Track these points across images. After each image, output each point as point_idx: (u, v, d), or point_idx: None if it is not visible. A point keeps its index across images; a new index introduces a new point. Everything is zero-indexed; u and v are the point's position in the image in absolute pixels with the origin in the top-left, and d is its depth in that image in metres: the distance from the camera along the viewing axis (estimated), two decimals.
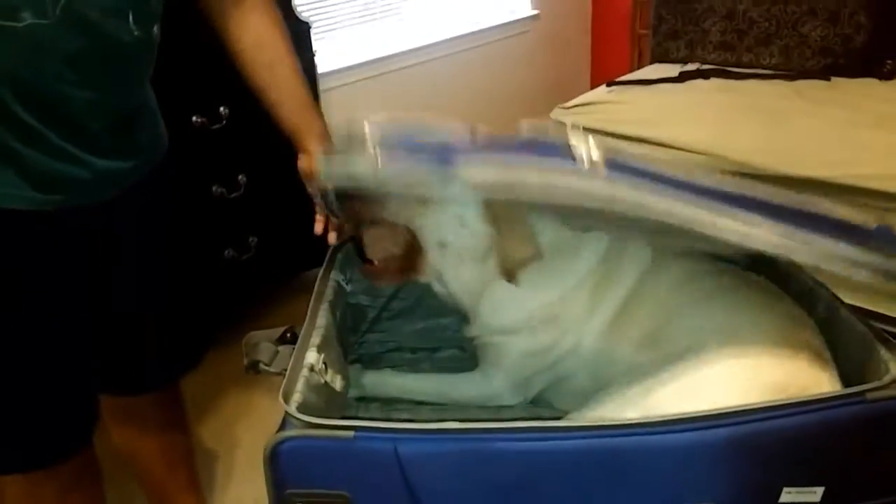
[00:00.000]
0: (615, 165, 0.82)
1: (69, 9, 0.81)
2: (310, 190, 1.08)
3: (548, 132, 0.87)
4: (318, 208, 1.09)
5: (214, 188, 1.84)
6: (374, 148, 0.91)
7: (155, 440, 1.24)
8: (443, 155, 0.88)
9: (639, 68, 2.56)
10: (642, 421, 0.80)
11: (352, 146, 0.96)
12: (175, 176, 1.08)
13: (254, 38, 1.05)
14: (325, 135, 1.08)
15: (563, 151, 0.82)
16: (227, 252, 1.91)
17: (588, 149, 0.82)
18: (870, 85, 2.04)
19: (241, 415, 1.68)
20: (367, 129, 0.92)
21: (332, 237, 1.12)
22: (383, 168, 0.90)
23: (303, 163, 1.09)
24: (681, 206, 0.79)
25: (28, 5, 0.79)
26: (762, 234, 0.78)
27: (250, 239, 1.96)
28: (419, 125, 0.96)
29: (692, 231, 0.80)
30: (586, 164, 0.81)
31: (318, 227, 1.10)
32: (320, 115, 1.11)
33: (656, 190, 0.80)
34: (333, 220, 1.10)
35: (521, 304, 1.09)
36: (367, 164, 0.91)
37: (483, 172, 0.87)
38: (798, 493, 0.85)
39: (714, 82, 2.19)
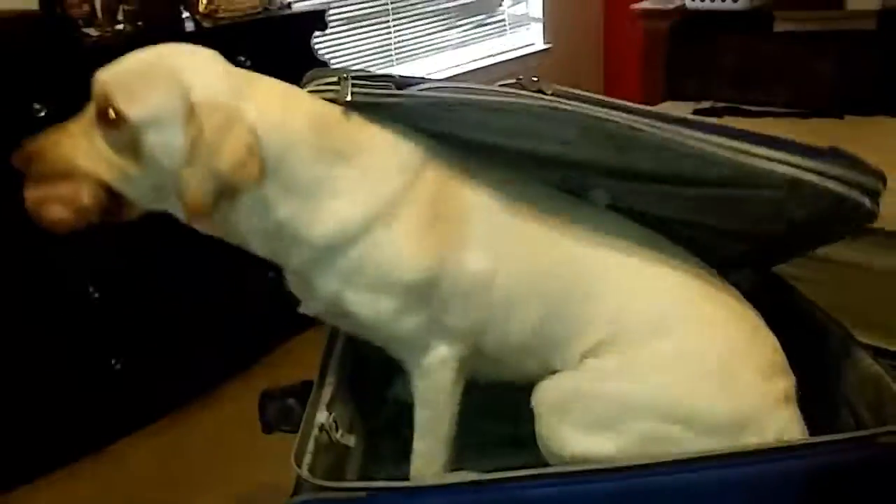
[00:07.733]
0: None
1: None
2: None
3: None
4: None
5: None
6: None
7: None
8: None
9: (651, 104, 2.58)
10: (661, 461, 0.81)
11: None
12: None
13: None
14: None
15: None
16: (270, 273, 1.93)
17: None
18: (882, 123, 2.04)
19: (256, 459, 1.67)
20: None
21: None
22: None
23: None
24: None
25: None
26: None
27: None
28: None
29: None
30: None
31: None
32: None
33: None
34: None
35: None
36: None
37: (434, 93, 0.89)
38: None
39: (728, 121, 2.20)
